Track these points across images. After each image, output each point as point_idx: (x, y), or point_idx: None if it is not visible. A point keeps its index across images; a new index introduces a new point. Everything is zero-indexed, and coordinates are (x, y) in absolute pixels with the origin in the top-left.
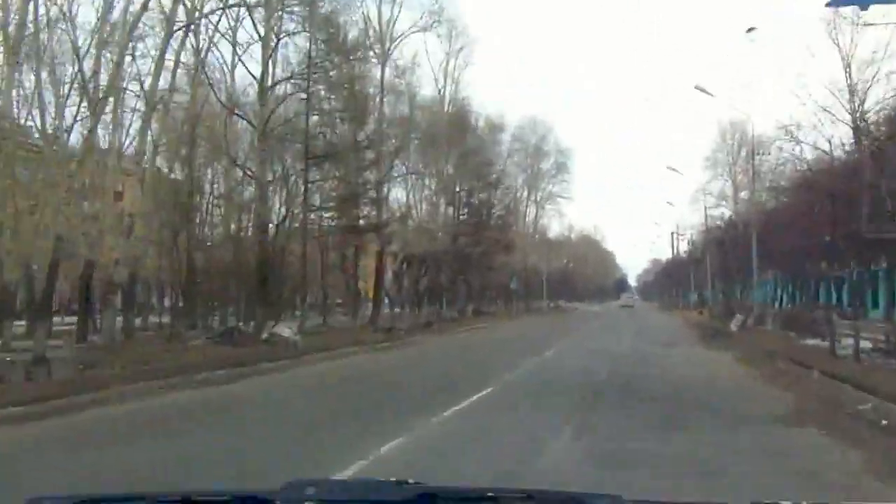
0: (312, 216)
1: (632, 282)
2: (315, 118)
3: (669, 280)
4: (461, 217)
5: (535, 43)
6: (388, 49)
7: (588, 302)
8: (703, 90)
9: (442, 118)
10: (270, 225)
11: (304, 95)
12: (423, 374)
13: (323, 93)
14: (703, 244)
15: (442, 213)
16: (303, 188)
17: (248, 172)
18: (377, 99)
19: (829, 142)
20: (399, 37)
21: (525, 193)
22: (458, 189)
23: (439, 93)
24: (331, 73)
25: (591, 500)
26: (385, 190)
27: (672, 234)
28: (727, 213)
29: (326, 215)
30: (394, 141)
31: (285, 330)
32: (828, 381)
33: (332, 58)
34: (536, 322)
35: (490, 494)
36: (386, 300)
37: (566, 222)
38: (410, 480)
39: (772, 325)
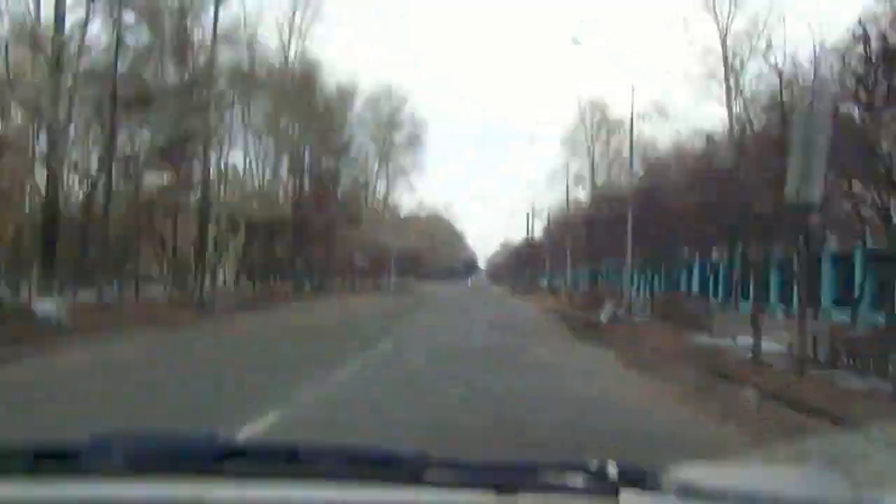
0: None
1: (482, 265)
2: (130, 56)
3: (522, 263)
4: (304, 185)
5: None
6: None
7: (437, 282)
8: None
9: (286, 76)
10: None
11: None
12: (179, 379)
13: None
14: (564, 224)
15: (284, 180)
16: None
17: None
18: (209, 44)
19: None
20: None
21: (376, 166)
22: (302, 155)
23: (284, 48)
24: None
25: (399, 455)
26: (217, 146)
27: (528, 214)
28: (584, 195)
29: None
30: (230, 91)
31: (45, 304)
32: (783, 410)
33: None
34: (380, 301)
35: (301, 449)
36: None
37: (417, 199)
38: (221, 435)
39: (643, 315)
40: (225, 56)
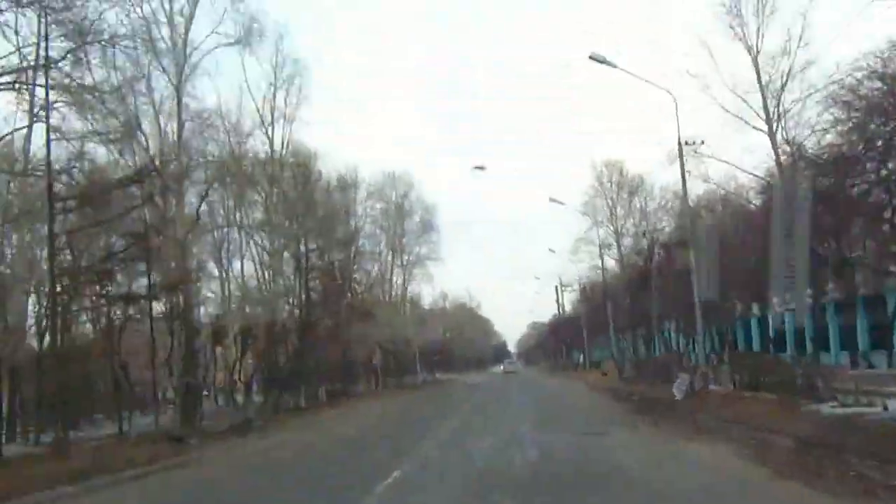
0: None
1: (511, 348)
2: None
3: (555, 339)
4: (309, 282)
5: (375, 87)
6: (186, 56)
7: (467, 372)
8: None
9: (277, 165)
10: None
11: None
12: None
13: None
14: (601, 291)
15: (288, 278)
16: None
17: None
18: (170, 126)
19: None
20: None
21: (390, 257)
22: (306, 252)
23: (266, 133)
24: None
25: None
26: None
27: (556, 287)
28: (611, 262)
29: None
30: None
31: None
32: None
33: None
34: (404, 403)
35: None
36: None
37: (437, 288)
38: None
39: (723, 384)
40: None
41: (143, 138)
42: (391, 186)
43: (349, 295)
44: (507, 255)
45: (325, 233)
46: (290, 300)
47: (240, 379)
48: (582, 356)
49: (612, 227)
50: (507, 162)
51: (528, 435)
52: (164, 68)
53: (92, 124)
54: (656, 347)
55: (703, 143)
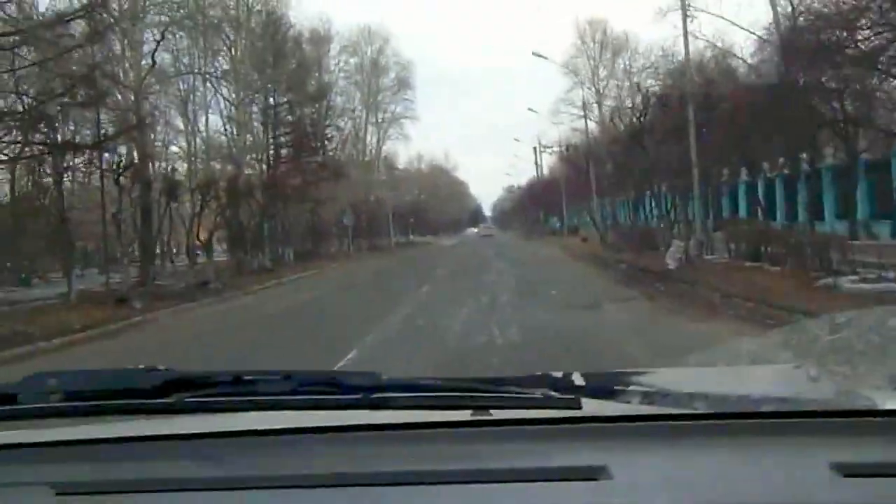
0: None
1: (487, 211)
2: None
3: (532, 203)
4: (278, 138)
5: None
6: None
7: (442, 235)
8: None
9: (245, 13)
10: None
11: None
12: None
13: None
14: (586, 151)
15: (255, 132)
16: None
17: None
18: None
19: None
20: None
21: (364, 116)
22: (274, 106)
23: None
24: None
25: (348, 377)
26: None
27: (535, 148)
28: (591, 124)
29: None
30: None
31: None
32: None
33: None
34: (374, 266)
35: (247, 377)
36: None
37: (413, 149)
38: (161, 367)
39: (719, 254)
40: None
41: None
42: (366, 41)
43: (320, 152)
44: (485, 115)
45: (295, 86)
46: (258, 156)
47: (198, 238)
48: (560, 221)
49: (594, 88)
50: (487, 15)
51: (507, 309)
52: None
53: None
54: (645, 212)
55: None
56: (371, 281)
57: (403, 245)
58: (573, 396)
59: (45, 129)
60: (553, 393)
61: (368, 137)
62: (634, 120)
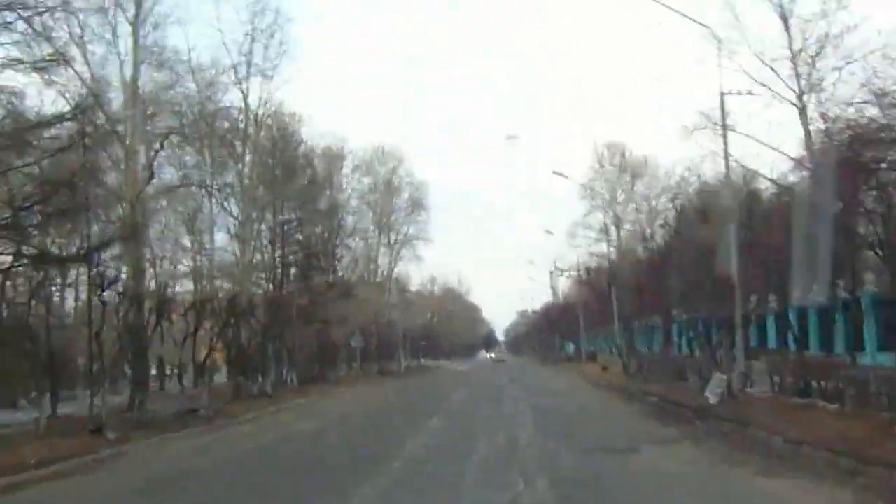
0: None
1: (499, 336)
2: None
3: (547, 328)
4: (286, 256)
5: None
6: None
7: (454, 359)
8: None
9: (253, 125)
10: None
11: None
12: None
13: None
14: (608, 274)
15: (262, 249)
16: None
17: None
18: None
19: None
20: None
21: (377, 236)
22: (282, 224)
23: (240, 88)
24: None
25: None
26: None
27: (551, 272)
28: (610, 250)
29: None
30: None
31: None
32: None
33: None
34: (383, 393)
35: None
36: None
37: (426, 271)
38: None
39: (762, 388)
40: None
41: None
42: (380, 161)
43: (330, 272)
44: (499, 238)
45: (305, 203)
46: (266, 275)
47: (194, 360)
48: (576, 347)
49: (611, 212)
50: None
51: (530, 450)
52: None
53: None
54: (679, 340)
55: (750, 92)
56: (375, 412)
57: (414, 369)
58: None
59: (24, 241)
60: None
61: (380, 258)
62: (663, 239)
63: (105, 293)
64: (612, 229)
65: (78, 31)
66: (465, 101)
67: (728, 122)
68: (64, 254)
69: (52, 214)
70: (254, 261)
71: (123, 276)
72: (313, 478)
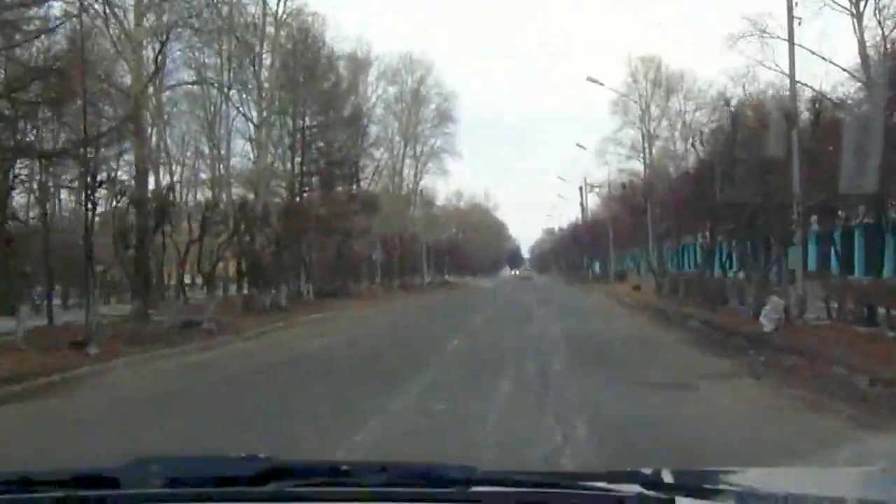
0: None
1: (525, 253)
2: None
3: (575, 246)
4: (306, 164)
5: None
6: None
7: (478, 276)
8: None
9: (266, 20)
10: None
11: None
12: None
13: None
14: (645, 188)
15: (281, 156)
16: None
17: None
18: None
19: None
20: None
21: (402, 148)
22: (303, 129)
23: None
24: None
25: (443, 470)
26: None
27: (581, 188)
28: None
29: None
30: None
31: None
32: None
33: None
34: (402, 309)
35: (344, 468)
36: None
37: (452, 185)
38: (261, 455)
39: (817, 313)
40: None
41: None
42: (407, 69)
43: (352, 182)
44: (526, 154)
45: (327, 109)
46: (286, 183)
47: (199, 270)
48: (605, 266)
49: (644, 128)
50: (533, 49)
51: (564, 386)
52: None
53: None
54: (720, 259)
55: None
56: (393, 330)
57: (438, 285)
58: (668, 497)
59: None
60: (646, 492)
61: (406, 170)
62: (706, 152)
63: (100, 193)
64: (645, 146)
65: None
66: (498, 8)
67: (773, 30)
68: (51, 147)
69: (38, 104)
70: (272, 167)
71: (125, 176)
72: (321, 402)
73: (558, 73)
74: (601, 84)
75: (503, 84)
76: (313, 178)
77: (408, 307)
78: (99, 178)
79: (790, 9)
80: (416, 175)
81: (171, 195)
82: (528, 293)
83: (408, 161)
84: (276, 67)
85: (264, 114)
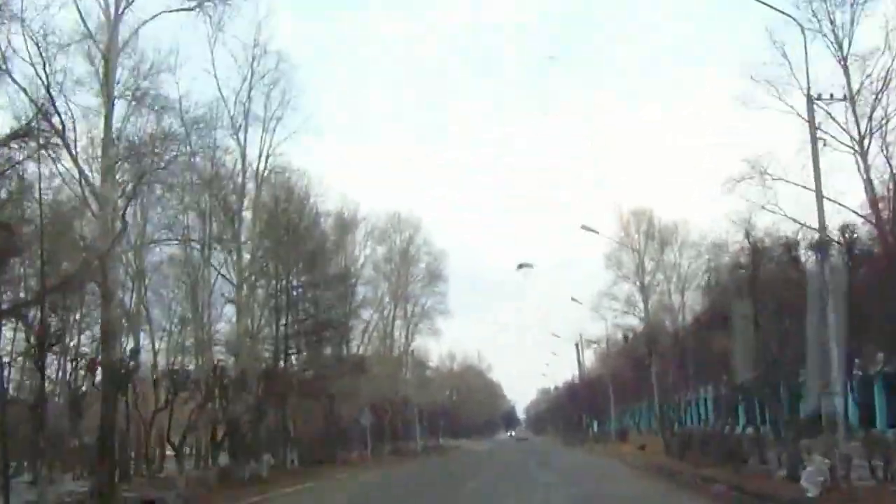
0: None
1: (519, 414)
2: None
3: (572, 405)
4: (288, 326)
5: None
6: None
7: (473, 438)
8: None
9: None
10: None
11: None
12: None
13: None
14: (648, 339)
15: (263, 317)
16: None
17: None
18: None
19: None
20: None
21: (392, 308)
22: (286, 284)
23: (237, 140)
24: None
25: None
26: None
27: (576, 344)
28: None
29: None
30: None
31: None
32: None
33: None
34: (394, 478)
35: None
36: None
37: (444, 346)
38: None
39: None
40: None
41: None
42: (395, 229)
43: (342, 344)
44: (519, 314)
45: (312, 267)
46: (271, 346)
47: (168, 439)
48: (603, 425)
49: (638, 282)
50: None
51: None
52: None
53: None
54: (741, 415)
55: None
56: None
57: (431, 450)
58: None
59: None
60: None
61: (396, 332)
62: (711, 302)
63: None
64: (640, 300)
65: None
66: (484, 168)
67: (773, 172)
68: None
69: None
70: (254, 329)
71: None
72: None
73: (551, 224)
74: (596, 232)
75: (491, 238)
76: (301, 340)
77: (399, 477)
78: (48, 341)
79: (815, 157)
80: (407, 336)
81: (135, 361)
82: (527, 456)
83: (398, 322)
84: (257, 226)
85: (245, 273)
